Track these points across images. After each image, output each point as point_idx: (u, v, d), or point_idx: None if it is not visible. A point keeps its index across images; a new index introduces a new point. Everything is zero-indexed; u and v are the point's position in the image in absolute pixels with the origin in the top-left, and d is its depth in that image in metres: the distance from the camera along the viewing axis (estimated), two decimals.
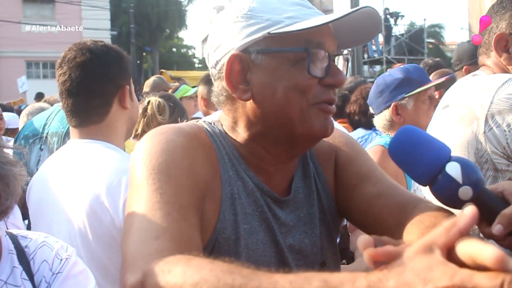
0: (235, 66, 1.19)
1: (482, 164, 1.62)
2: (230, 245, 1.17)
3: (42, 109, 4.48)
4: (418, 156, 1.05)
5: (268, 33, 1.16)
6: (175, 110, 3.29)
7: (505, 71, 1.82)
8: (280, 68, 1.16)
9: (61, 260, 1.38)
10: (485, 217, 1.02)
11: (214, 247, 1.15)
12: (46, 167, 2.08)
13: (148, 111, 3.19)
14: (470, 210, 0.70)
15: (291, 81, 1.16)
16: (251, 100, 1.19)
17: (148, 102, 3.23)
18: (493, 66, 1.85)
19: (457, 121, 1.68)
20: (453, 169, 1.02)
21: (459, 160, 1.03)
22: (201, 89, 4.44)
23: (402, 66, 3.03)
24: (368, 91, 4.08)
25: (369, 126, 4.00)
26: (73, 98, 2.00)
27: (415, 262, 0.68)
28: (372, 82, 4.56)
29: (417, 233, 1.08)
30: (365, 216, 1.29)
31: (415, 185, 2.07)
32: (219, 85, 1.25)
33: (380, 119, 2.97)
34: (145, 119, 3.18)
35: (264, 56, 1.17)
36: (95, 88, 1.99)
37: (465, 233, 0.69)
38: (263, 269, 0.83)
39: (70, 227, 1.85)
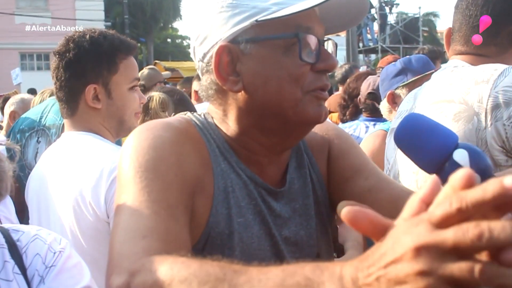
0: (223, 57, 1.15)
1: None
2: (224, 239, 1.14)
3: (23, 100, 4.52)
4: (425, 144, 1.02)
5: (256, 20, 1.12)
6: (180, 106, 3.12)
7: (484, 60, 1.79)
8: (271, 56, 1.13)
9: (55, 253, 1.33)
10: None
11: (206, 242, 1.12)
12: (42, 162, 2.06)
13: (150, 108, 3.00)
14: (432, 179, 0.65)
15: (283, 70, 1.12)
16: (242, 91, 1.15)
17: (150, 98, 3.02)
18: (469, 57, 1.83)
19: (453, 117, 1.64)
20: (461, 156, 0.99)
21: (466, 147, 1.01)
22: (195, 84, 4.58)
23: (407, 57, 3.12)
24: (350, 87, 4.09)
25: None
26: (54, 87, 2.02)
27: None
28: (367, 71, 4.53)
29: None
30: None
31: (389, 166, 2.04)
32: (208, 79, 1.20)
33: (383, 107, 3.08)
34: (147, 117, 2.97)
35: (253, 45, 1.13)
36: (62, 81, 1.96)
37: (429, 202, 0.64)
38: (255, 264, 0.80)
39: (62, 222, 1.84)
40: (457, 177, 0.60)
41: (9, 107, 4.61)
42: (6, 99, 8.26)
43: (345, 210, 0.65)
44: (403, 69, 2.96)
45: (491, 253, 0.57)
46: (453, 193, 0.59)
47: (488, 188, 0.56)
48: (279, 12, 1.11)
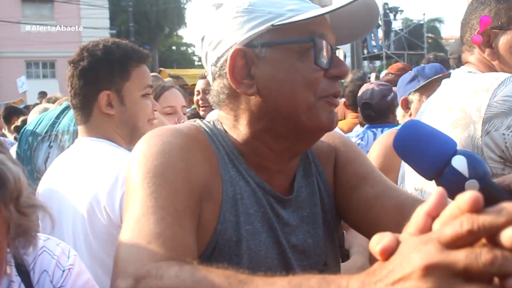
0: (238, 60, 1.17)
1: None
2: (231, 247, 1.14)
3: (46, 109, 4.54)
4: (423, 150, 1.03)
5: (272, 25, 1.14)
6: None
7: (490, 67, 1.81)
8: (286, 60, 1.15)
9: (63, 271, 1.29)
10: None
11: (214, 249, 1.13)
12: (54, 167, 2.09)
13: None
14: (437, 191, 0.64)
15: (298, 74, 1.14)
16: (256, 95, 1.17)
17: None
18: (477, 63, 1.84)
19: (451, 124, 1.65)
20: (459, 163, 1.00)
21: (465, 153, 1.01)
22: (199, 83, 4.59)
23: (421, 65, 3.33)
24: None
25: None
26: (69, 95, 2.08)
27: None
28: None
29: None
30: (363, 218, 1.28)
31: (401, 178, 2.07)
32: (220, 83, 1.22)
33: (398, 112, 3.30)
34: None
35: (269, 49, 1.15)
36: (76, 89, 2.02)
37: (435, 215, 0.64)
38: (260, 274, 0.81)
39: (74, 227, 1.86)
40: (464, 199, 0.59)
41: (33, 115, 4.71)
42: (9, 108, 8.30)
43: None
44: (416, 75, 3.13)
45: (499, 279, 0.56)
46: (462, 214, 0.59)
47: (502, 213, 0.56)
48: (295, 17, 1.13)
